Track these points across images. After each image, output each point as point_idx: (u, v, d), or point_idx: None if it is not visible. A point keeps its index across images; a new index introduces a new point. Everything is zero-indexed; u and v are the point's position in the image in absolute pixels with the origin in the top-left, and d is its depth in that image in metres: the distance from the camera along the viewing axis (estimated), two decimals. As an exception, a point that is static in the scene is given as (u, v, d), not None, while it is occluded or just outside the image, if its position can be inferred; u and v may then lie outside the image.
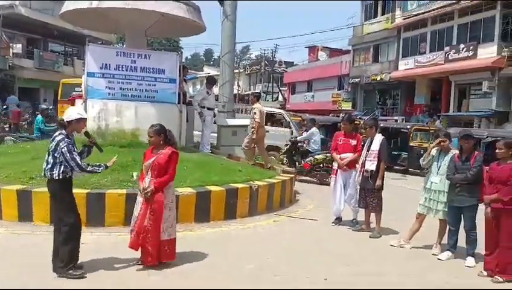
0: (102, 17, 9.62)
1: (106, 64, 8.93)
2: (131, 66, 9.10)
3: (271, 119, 14.68)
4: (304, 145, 12.06)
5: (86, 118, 4.65)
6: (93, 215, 6.01)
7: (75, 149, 4.40)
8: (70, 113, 4.55)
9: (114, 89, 8.99)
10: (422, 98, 28.49)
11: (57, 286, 4.13)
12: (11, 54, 27.36)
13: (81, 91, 9.25)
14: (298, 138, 12.41)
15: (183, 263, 4.89)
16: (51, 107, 23.90)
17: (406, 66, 28.44)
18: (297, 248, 5.82)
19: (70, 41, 31.31)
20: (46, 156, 4.39)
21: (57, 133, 4.43)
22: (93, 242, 5.34)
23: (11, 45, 27.80)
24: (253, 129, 9.61)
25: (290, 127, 14.76)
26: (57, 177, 4.35)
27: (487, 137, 11.29)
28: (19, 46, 28.21)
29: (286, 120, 15.06)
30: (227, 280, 4.51)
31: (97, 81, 8.88)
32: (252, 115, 9.73)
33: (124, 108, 8.90)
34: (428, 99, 28.45)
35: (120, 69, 9.03)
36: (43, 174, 4.50)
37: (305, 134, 12.41)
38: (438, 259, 5.65)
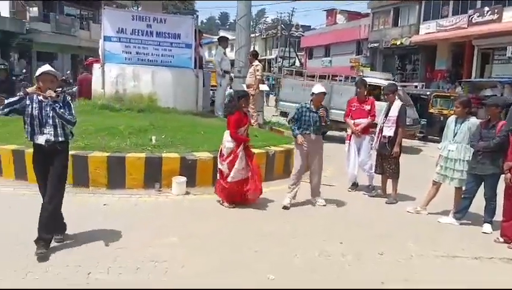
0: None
1: (122, 29, 8.93)
2: (147, 31, 9.09)
3: (372, 93, 9.86)
4: None
5: (53, 74, 4.01)
6: (114, 178, 6.16)
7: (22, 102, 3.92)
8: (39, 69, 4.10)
9: (131, 53, 9.04)
10: (444, 64, 27.76)
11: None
12: (27, 18, 27.29)
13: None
14: None
15: (181, 226, 5.02)
16: (68, 72, 24.08)
17: (427, 30, 27.60)
18: (313, 213, 5.90)
19: (86, 4, 31.09)
20: None
21: None
22: (115, 203, 5.50)
23: (27, 8, 27.70)
24: (254, 86, 10.06)
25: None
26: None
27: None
28: (35, 9, 28.11)
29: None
30: (234, 247, 4.62)
31: (114, 45, 8.91)
32: (252, 73, 10.03)
33: (141, 73, 8.94)
34: (449, 64, 27.72)
35: (136, 33, 9.03)
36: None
37: None
38: (438, 221, 5.72)
